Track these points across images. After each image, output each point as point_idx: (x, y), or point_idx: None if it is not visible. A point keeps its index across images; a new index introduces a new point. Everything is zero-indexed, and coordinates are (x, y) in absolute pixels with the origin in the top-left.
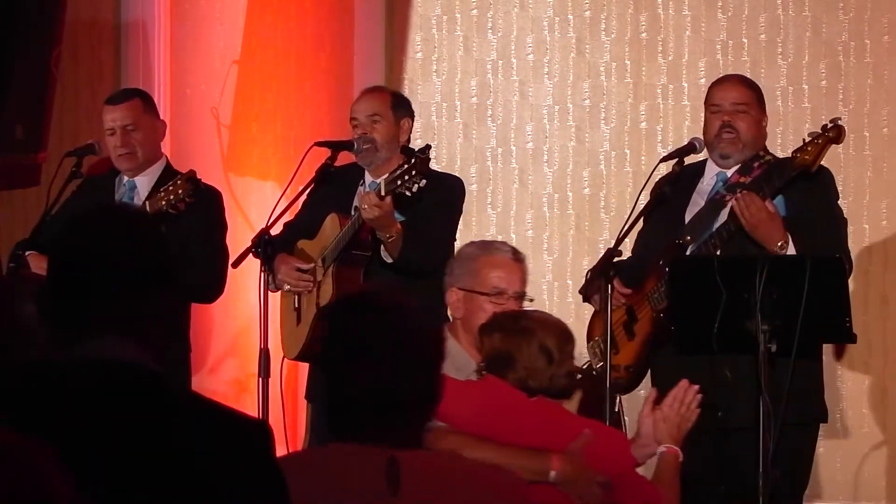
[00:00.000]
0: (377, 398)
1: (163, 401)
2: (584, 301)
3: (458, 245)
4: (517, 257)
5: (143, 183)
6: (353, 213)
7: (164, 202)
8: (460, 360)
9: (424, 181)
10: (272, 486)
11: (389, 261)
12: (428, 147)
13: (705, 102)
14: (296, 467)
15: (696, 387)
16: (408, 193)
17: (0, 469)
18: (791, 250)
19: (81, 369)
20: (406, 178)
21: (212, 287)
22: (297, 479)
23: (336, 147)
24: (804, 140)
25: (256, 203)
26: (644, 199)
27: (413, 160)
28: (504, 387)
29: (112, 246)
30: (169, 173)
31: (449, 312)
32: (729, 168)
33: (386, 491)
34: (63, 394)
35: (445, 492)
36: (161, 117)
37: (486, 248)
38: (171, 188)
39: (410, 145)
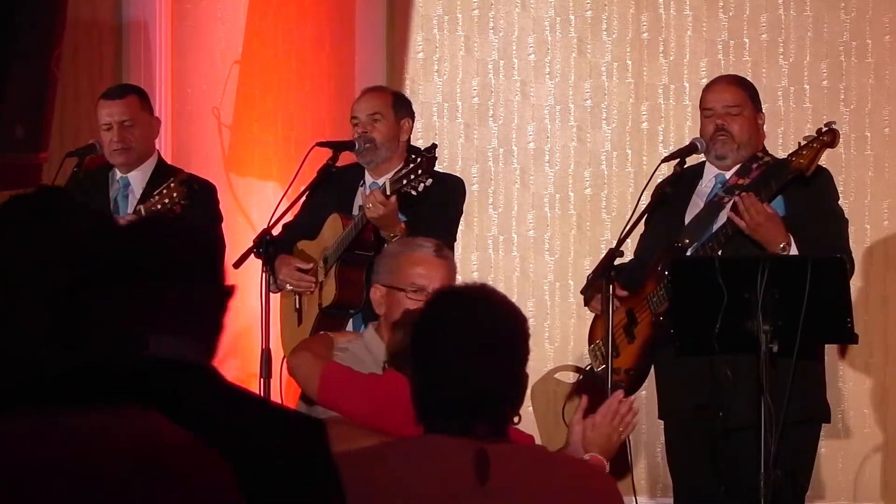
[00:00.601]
0: (470, 392)
1: (223, 399)
2: (585, 305)
3: (458, 245)
4: (441, 254)
5: (137, 179)
6: (356, 213)
7: (159, 206)
8: (380, 356)
9: (430, 180)
10: (328, 481)
11: None
12: (434, 146)
13: (700, 106)
14: (384, 457)
15: (632, 399)
16: (413, 192)
17: (191, 470)
18: (793, 251)
19: (147, 369)
20: (412, 177)
21: None
22: (385, 469)
23: (337, 147)
24: (799, 144)
25: (258, 203)
26: (645, 200)
27: (419, 159)
28: (402, 381)
29: (167, 246)
30: (161, 169)
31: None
32: (727, 169)
33: (474, 483)
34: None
35: (532, 483)
36: (157, 115)
37: (407, 244)
38: (164, 192)
39: (412, 145)
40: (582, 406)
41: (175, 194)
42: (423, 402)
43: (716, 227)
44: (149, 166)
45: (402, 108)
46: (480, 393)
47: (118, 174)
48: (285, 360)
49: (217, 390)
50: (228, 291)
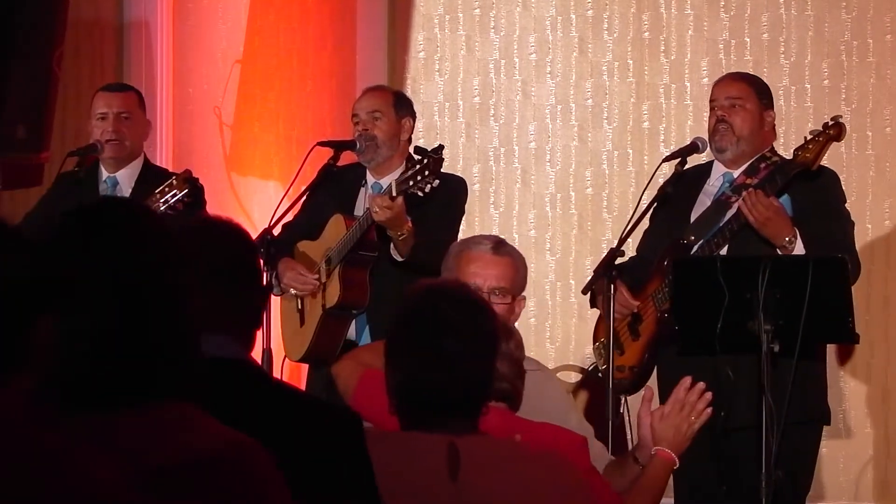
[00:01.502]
0: (443, 388)
1: (268, 394)
2: (591, 306)
3: None
4: (499, 251)
5: (125, 179)
6: (358, 213)
7: (162, 204)
8: None
9: (437, 181)
10: (364, 471)
11: (399, 259)
12: (441, 147)
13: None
14: None
15: (701, 385)
16: (420, 193)
17: (233, 466)
18: (799, 244)
19: (203, 368)
20: (419, 178)
21: None
22: None
23: (339, 147)
24: (805, 138)
25: (259, 203)
26: (647, 199)
27: (426, 160)
28: None
29: (215, 246)
30: (149, 169)
31: None
32: (728, 163)
33: (446, 476)
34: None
35: (503, 476)
36: (158, 114)
37: (467, 242)
38: (166, 189)
39: (414, 145)
40: (647, 398)
41: (177, 192)
42: (398, 399)
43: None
44: (136, 166)
45: (403, 107)
46: (458, 389)
47: (105, 174)
48: (286, 360)
49: (261, 385)
50: (266, 289)
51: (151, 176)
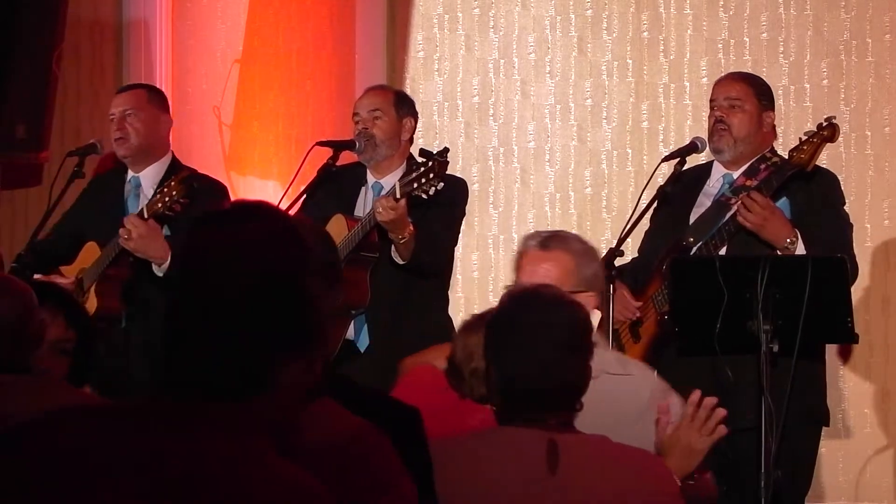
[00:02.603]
0: (542, 385)
1: (340, 389)
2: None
3: (460, 245)
4: (546, 245)
5: (148, 179)
6: (358, 212)
7: (160, 205)
8: None
9: (442, 184)
10: (422, 463)
11: (401, 262)
12: (446, 150)
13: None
14: (458, 450)
15: (712, 401)
16: (424, 196)
17: (361, 452)
18: (800, 246)
19: None
20: (423, 180)
21: None
22: (460, 462)
23: (338, 147)
24: (800, 139)
25: None
26: (646, 199)
27: (431, 163)
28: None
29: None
30: (175, 169)
31: None
32: (726, 163)
33: (545, 472)
34: None
35: (600, 471)
36: (169, 114)
37: (522, 239)
38: (165, 190)
39: (418, 147)
40: (661, 410)
41: (175, 193)
42: (500, 395)
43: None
44: (161, 165)
45: (404, 106)
46: (556, 386)
47: (130, 174)
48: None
49: (333, 381)
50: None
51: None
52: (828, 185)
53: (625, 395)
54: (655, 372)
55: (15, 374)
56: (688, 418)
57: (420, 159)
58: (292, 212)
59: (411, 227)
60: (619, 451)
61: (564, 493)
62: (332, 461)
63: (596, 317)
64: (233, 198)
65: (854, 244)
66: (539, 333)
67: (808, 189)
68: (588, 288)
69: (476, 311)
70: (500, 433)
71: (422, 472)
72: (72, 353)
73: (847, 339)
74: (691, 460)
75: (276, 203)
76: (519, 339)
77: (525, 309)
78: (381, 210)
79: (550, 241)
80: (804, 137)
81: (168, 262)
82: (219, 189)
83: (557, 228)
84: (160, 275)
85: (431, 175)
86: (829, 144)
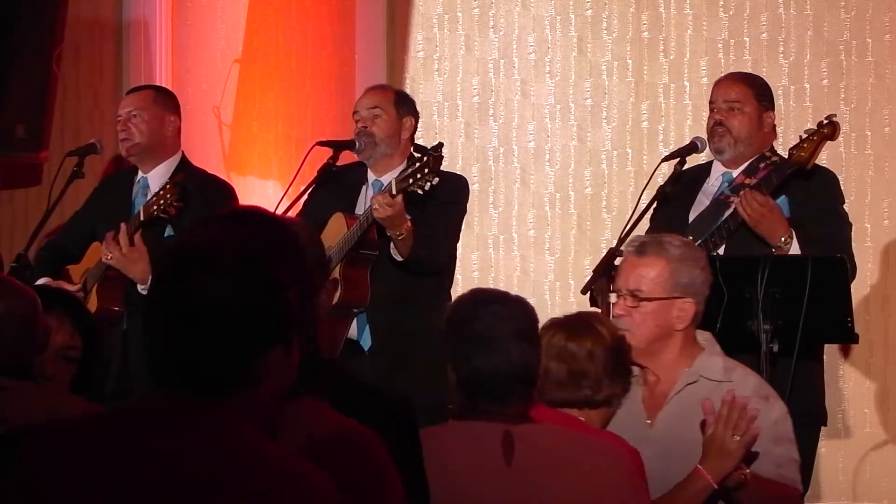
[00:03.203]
0: (501, 374)
1: (339, 384)
2: (591, 305)
3: (460, 245)
4: (641, 250)
5: (155, 179)
6: (359, 212)
7: (154, 208)
8: None
9: (437, 179)
10: (413, 452)
11: (399, 259)
12: (440, 145)
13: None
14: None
15: (744, 401)
16: (420, 192)
17: (348, 452)
18: (795, 245)
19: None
20: (419, 175)
21: None
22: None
23: (338, 147)
24: (800, 137)
25: (258, 203)
26: (646, 199)
27: (426, 158)
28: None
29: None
30: (184, 169)
31: None
32: (726, 164)
33: (502, 462)
34: None
35: (556, 460)
36: (178, 114)
37: (626, 243)
38: (160, 193)
39: (418, 144)
40: (706, 410)
41: (169, 196)
42: (460, 389)
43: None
44: (169, 165)
45: (404, 105)
46: (514, 376)
47: (140, 174)
48: None
49: (323, 370)
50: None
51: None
52: (827, 184)
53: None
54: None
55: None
56: (721, 418)
57: (416, 155)
58: (293, 212)
59: (409, 224)
60: (576, 439)
61: (522, 484)
62: (319, 461)
63: (685, 322)
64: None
65: (853, 243)
66: (495, 326)
67: (808, 188)
68: (684, 294)
69: None
70: (457, 427)
71: (414, 460)
72: (77, 360)
73: (847, 339)
74: (726, 461)
75: (274, 204)
76: (476, 332)
77: (478, 305)
78: (377, 207)
79: (647, 246)
80: (804, 135)
81: (149, 283)
82: (225, 189)
83: (557, 228)
84: (144, 293)
85: (426, 170)
86: (828, 144)
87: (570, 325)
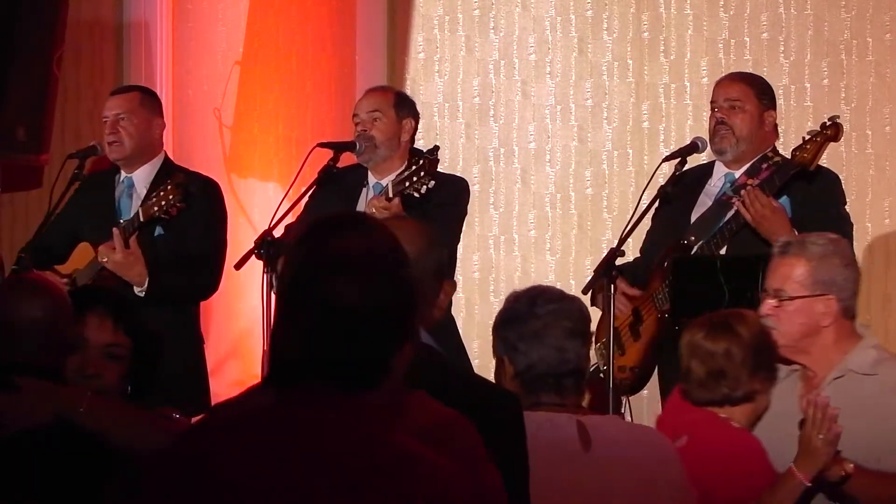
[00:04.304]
0: (559, 369)
1: (450, 376)
2: (591, 304)
3: (461, 246)
4: (784, 251)
5: (140, 179)
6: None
7: (155, 208)
8: None
9: (433, 182)
10: (520, 446)
11: None
12: (436, 148)
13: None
14: None
15: (825, 399)
16: (416, 194)
17: (450, 440)
18: None
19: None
20: (415, 178)
21: (209, 287)
22: None
23: (338, 148)
24: (803, 138)
25: (259, 204)
26: (647, 199)
27: (422, 161)
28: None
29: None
30: (167, 169)
31: None
32: (728, 164)
33: (581, 449)
34: None
35: (624, 447)
36: (162, 116)
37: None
38: (161, 194)
39: (415, 146)
40: (811, 402)
41: (171, 197)
42: (520, 383)
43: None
44: (153, 166)
45: (404, 107)
46: (570, 371)
47: (123, 174)
48: None
49: (434, 363)
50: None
51: (168, 176)
52: (829, 185)
53: (869, 397)
54: None
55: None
56: (808, 418)
57: (414, 158)
58: (294, 213)
59: None
60: (633, 428)
61: (600, 469)
62: (442, 435)
63: (830, 319)
64: (226, 196)
65: (854, 243)
66: (552, 323)
67: (809, 189)
68: (826, 291)
69: (477, 311)
70: (531, 417)
71: (517, 455)
72: (123, 358)
73: None
74: (814, 458)
75: (275, 206)
76: (534, 329)
77: (535, 302)
78: (374, 210)
79: (790, 246)
80: (807, 137)
81: (146, 285)
82: (212, 187)
83: (558, 229)
84: (140, 296)
85: (422, 173)
86: (830, 144)
87: (711, 324)
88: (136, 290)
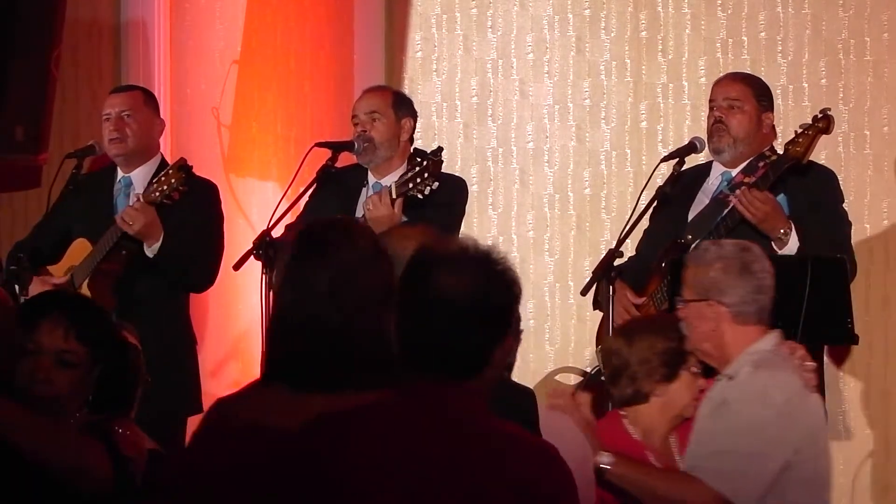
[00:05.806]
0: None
1: None
2: (593, 308)
3: None
4: (690, 256)
5: (139, 179)
6: (360, 214)
7: (157, 193)
8: None
9: (437, 184)
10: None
11: None
12: (440, 149)
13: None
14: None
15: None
16: (419, 196)
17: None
18: (793, 237)
19: None
20: (418, 180)
21: (205, 279)
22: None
23: (337, 148)
24: (796, 132)
25: (258, 204)
26: (645, 199)
27: (425, 162)
28: None
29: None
30: (163, 169)
31: None
32: (726, 163)
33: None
34: None
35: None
36: (162, 117)
37: None
38: (163, 178)
39: (418, 148)
40: None
41: (174, 180)
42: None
43: None
44: (151, 166)
45: (402, 107)
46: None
47: (120, 174)
48: None
49: None
50: None
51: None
52: (826, 183)
53: (723, 403)
54: None
55: None
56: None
57: (416, 159)
58: (292, 213)
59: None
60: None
61: None
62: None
63: (718, 324)
64: (225, 196)
65: (853, 243)
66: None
67: (806, 186)
68: (708, 296)
69: None
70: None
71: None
72: (75, 364)
73: (847, 341)
74: None
75: (273, 206)
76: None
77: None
78: (370, 206)
79: (695, 251)
80: (799, 130)
81: (160, 243)
82: (210, 189)
83: (557, 229)
84: (151, 255)
85: (426, 175)
86: (828, 143)
87: (623, 326)
88: (148, 249)
